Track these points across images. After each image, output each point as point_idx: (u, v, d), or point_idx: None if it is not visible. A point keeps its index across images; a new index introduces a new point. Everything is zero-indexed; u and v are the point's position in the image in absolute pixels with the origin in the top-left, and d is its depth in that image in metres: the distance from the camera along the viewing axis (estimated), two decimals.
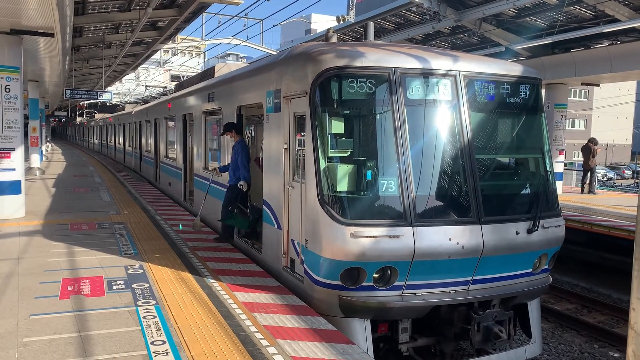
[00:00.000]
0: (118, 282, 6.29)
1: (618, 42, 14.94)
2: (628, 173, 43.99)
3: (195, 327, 4.95)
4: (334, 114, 5.75)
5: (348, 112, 5.82)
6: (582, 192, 18.08)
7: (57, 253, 7.67)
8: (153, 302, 5.62)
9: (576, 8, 13.84)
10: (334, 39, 7.40)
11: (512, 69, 6.48)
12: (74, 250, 7.86)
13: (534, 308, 6.46)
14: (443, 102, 5.88)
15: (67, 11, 9.57)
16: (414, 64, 5.82)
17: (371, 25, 7.55)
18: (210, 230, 9.61)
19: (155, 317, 5.18)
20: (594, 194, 17.68)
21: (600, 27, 13.45)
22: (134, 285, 6.16)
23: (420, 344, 5.90)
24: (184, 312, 5.33)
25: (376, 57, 5.81)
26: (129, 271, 6.77)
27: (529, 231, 5.89)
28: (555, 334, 9.29)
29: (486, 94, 6.09)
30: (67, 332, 4.79)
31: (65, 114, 49.07)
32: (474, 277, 5.76)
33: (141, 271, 6.78)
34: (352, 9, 14.26)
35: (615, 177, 41.51)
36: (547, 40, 14.57)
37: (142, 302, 5.60)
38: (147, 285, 6.20)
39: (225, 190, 8.62)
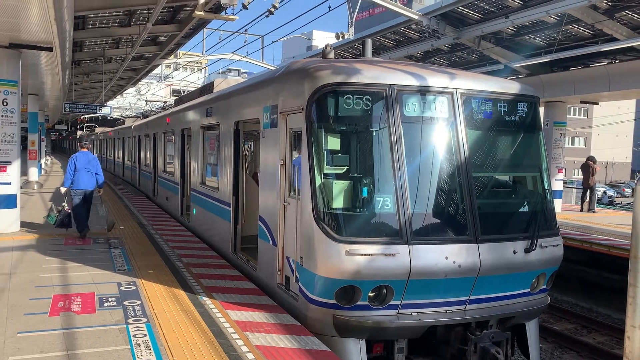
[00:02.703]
0: (110, 299, 6.19)
1: (616, 61, 14.98)
2: (628, 191, 43.91)
3: (186, 346, 4.85)
4: (330, 130, 5.71)
5: (344, 128, 5.78)
6: (581, 210, 18.00)
7: (50, 268, 7.57)
8: (144, 319, 5.52)
9: (574, 27, 13.90)
10: (332, 56, 7.40)
11: (509, 86, 6.45)
12: (67, 265, 7.77)
13: (532, 328, 6.35)
14: (440, 119, 5.84)
15: (66, 26, 9.59)
16: (410, 81, 5.80)
17: (369, 42, 7.55)
18: (206, 246, 9.52)
19: (145, 335, 5.08)
20: (593, 212, 17.60)
21: (598, 46, 13.48)
22: (125, 303, 6.07)
23: None
24: (175, 331, 5.23)
25: (373, 74, 5.79)
26: (121, 288, 6.67)
27: (527, 250, 5.81)
28: (555, 354, 9.15)
29: (483, 112, 6.05)
30: (54, 350, 4.69)
31: (65, 127, 49.18)
32: (471, 297, 5.67)
33: (134, 288, 6.68)
34: (351, 26, 14.33)
35: (615, 195, 41.44)
36: (546, 59, 14.60)
37: (133, 320, 5.50)
38: (139, 302, 6.10)
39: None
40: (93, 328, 5.25)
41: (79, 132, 56.60)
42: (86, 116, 41.02)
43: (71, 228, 10.25)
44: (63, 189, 10.36)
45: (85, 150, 10.35)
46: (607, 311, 11.44)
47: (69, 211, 10.09)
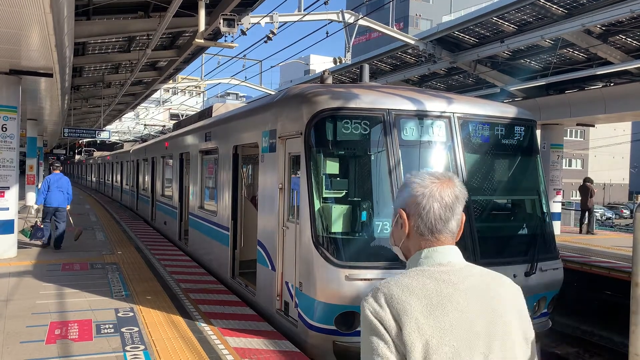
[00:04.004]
0: (107, 326, 6.12)
1: (612, 84, 15.14)
2: (626, 212, 43.93)
3: None
4: (329, 155, 5.74)
5: (343, 152, 5.82)
6: (580, 232, 17.97)
7: (47, 295, 7.51)
8: (142, 347, 5.46)
9: (569, 51, 14.08)
10: (330, 81, 7.47)
11: (506, 110, 6.51)
12: (64, 291, 7.71)
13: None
14: (437, 143, 5.87)
15: (66, 52, 9.69)
16: (408, 106, 5.85)
17: (366, 67, 7.64)
18: (204, 272, 9.46)
19: None
20: (592, 234, 17.57)
21: (593, 70, 13.64)
22: (123, 329, 6.00)
23: None
24: (173, 358, 5.16)
25: (370, 98, 5.84)
26: (119, 314, 6.61)
27: (527, 274, 5.79)
28: None
29: (480, 136, 6.10)
30: None
31: (64, 151, 49.26)
32: None
33: (131, 314, 6.62)
34: (348, 51, 14.49)
35: (613, 216, 41.44)
36: (542, 82, 14.75)
37: (131, 347, 5.43)
38: (136, 329, 6.03)
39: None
40: (90, 356, 5.18)
41: (76, 157, 56.68)
42: (84, 140, 41.12)
43: (44, 240, 11.53)
44: (35, 206, 11.95)
45: (57, 172, 11.76)
46: (608, 334, 11.34)
47: (41, 226, 11.43)
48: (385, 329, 1.49)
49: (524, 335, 1.63)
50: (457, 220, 1.68)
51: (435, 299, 1.53)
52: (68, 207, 11.86)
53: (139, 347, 5.43)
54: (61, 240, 11.50)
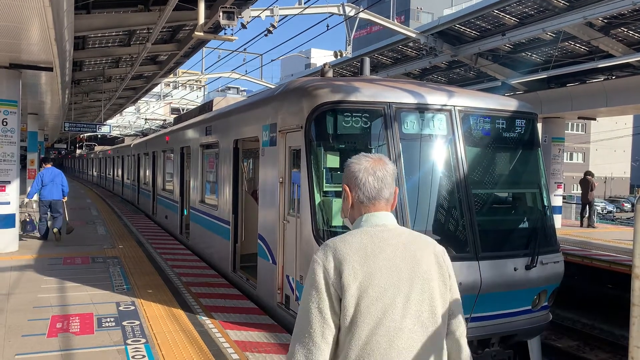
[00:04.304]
0: (108, 319, 6.14)
1: (613, 77, 15.09)
2: (627, 206, 43.91)
3: None
4: (329, 148, 5.73)
5: (343, 146, 5.80)
6: (581, 225, 17.97)
7: (48, 289, 7.53)
8: (143, 340, 5.47)
9: (571, 44, 14.03)
10: (330, 74, 7.44)
11: (507, 103, 6.48)
12: (66, 285, 7.73)
13: (534, 346, 6.29)
14: (438, 136, 5.85)
15: (66, 46, 9.67)
16: (409, 99, 5.82)
17: (367, 60, 7.61)
18: (205, 265, 9.48)
19: (144, 356, 5.03)
20: (593, 227, 17.56)
21: (595, 62, 13.59)
22: (124, 323, 6.02)
23: None
24: (174, 351, 5.18)
25: (371, 92, 5.82)
26: (120, 308, 6.62)
27: (528, 267, 5.78)
28: None
29: (482, 129, 6.07)
30: None
31: (64, 146, 49.27)
32: (472, 315, 5.62)
33: (133, 308, 6.63)
34: (349, 44, 14.44)
35: (614, 210, 41.42)
36: (543, 75, 14.71)
37: (132, 341, 5.45)
38: (137, 322, 6.05)
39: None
40: (91, 349, 5.20)
41: (77, 151, 56.71)
42: (85, 135, 41.13)
43: (41, 232, 11.93)
44: (26, 200, 12.44)
45: (48, 166, 12.03)
46: (609, 327, 11.36)
47: (31, 218, 12.35)
48: (327, 277, 1.86)
49: (443, 282, 1.99)
50: (389, 191, 2.07)
51: (369, 251, 1.91)
52: (65, 199, 12.10)
53: (140, 341, 5.45)
54: (60, 231, 11.78)
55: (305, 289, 1.90)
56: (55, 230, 11.68)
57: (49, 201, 11.69)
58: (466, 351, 2.09)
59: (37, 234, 12.04)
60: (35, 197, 12.42)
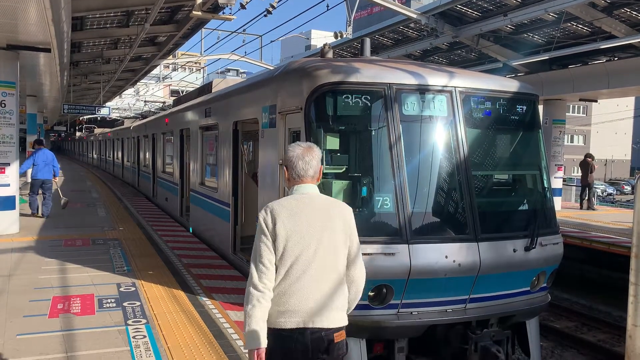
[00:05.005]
0: (109, 300, 6.18)
1: (615, 59, 14.98)
2: (627, 188, 43.94)
3: (186, 347, 4.84)
4: (329, 130, 5.69)
5: (343, 128, 5.76)
6: (581, 208, 18.00)
7: (49, 270, 7.56)
8: (144, 321, 5.51)
9: (573, 24, 13.90)
10: (330, 55, 7.38)
11: (508, 85, 6.43)
12: (66, 267, 7.76)
13: (532, 327, 6.33)
14: (439, 118, 5.81)
15: (63, 27, 9.58)
16: (409, 80, 5.78)
17: (367, 41, 7.53)
18: (206, 247, 9.51)
19: (145, 336, 5.07)
20: (593, 209, 17.59)
21: (597, 44, 13.47)
22: (125, 304, 6.06)
23: None
24: (174, 332, 5.22)
25: (372, 72, 5.77)
26: (121, 289, 6.66)
27: (527, 249, 5.78)
28: (555, 352, 9.15)
29: (482, 110, 6.03)
30: (54, 352, 4.68)
31: (64, 128, 49.13)
32: (471, 296, 5.65)
33: (133, 289, 6.67)
34: (350, 25, 14.30)
35: (614, 192, 41.45)
36: (545, 57, 14.59)
37: (133, 321, 5.49)
38: (138, 303, 6.09)
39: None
40: (92, 330, 5.24)
41: (77, 133, 56.58)
42: (85, 117, 40.99)
43: (33, 210, 12.76)
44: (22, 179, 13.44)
45: (41, 147, 12.97)
46: (607, 309, 11.44)
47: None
48: (267, 226, 2.81)
49: (345, 233, 2.90)
50: (314, 170, 2.95)
51: (294, 209, 2.85)
52: (56, 179, 13.08)
53: (141, 321, 5.49)
54: (48, 210, 12.77)
55: (256, 234, 2.85)
56: (40, 214, 12.67)
57: (41, 180, 12.53)
58: (356, 287, 3.07)
59: (29, 211, 12.76)
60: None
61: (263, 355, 2.71)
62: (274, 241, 2.78)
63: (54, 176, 12.88)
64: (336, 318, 2.89)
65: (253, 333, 2.70)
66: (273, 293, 2.77)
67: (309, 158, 2.93)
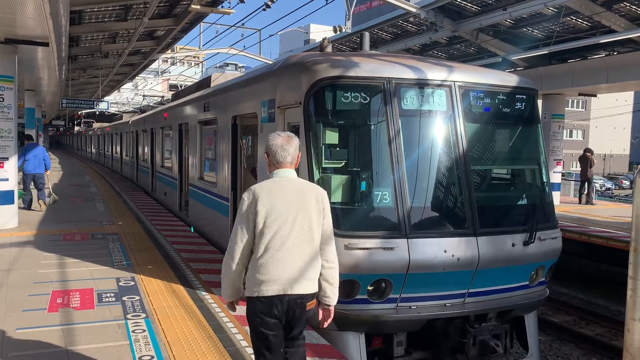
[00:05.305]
0: (108, 295, 6.18)
1: (615, 53, 14.95)
2: (626, 183, 44.00)
3: (185, 342, 4.85)
4: (328, 124, 5.69)
5: (342, 122, 5.76)
6: (579, 202, 18.02)
7: (48, 264, 7.56)
8: (143, 315, 5.52)
9: (572, 19, 13.86)
10: (329, 49, 7.36)
11: (507, 79, 6.43)
12: (66, 261, 7.76)
13: (531, 321, 6.36)
14: (438, 112, 5.81)
15: (62, 21, 9.54)
16: (408, 74, 5.77)
17: (366, 35, 7.51)
18: (205, 242, 9.51)
19: (144, 330, 5.08)
20: (591, 204, 17.61)
21: (596, 38, 13.45)
22: (124, 298, 6.06)
23: (416, 357, 5.79)
24: (174, 326, 5.23)
25: (371, 67, 5.76)
26: (120, 283, 6.67)
27: (525, 243, 5.80)
28: (553, 346, 9.18)
29: (482, 105, 6.03)
30: (53, 346, 4.69)
31: (62, 123, 49.04)
32: (470, 290, 5.67)
33: (132, 283, 6.68)
34: (349, 20, 14.25)
35: (613, 187, 41.51)
36: (544, 51, 14.56)
37: (132, 316, 5.50)
38: (137, 297, 6.09)
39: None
40: (92, 324, 5.25)
41: (76, 128, 56.49)
42: (83, 111, 40.91)
43: (25, 205, 12.80)
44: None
45: (32, 142, 13.48)
46: (605, 303, 11.48)
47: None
48: (249, 205, 3.26)
49: (319, 211, 3.33)
50: (292, 157, 3.38)
51: (273, 190, 3.29)
52: (47, 172, 13.26)
53: (140, 315, 5.50)
54: (45, 199, 13.09)
55: (238, 212, 3.32)
56: (40, 201, 12.91)
57: (32, 174, 12.74)
58: (334, 271, 3.43)
59: (22, 205, 12.62)
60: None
61: (236, 301, 3.46)
62: (255, 218, 3.21)
63: (46, 170, 13.10)
64: (310, 287, 3.30)
65: (232, 289, 3.35)
66: (255, 264, 3.25)
67: (288, 146, 3.35)
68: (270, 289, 3.19)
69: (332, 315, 3.51)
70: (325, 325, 3.57)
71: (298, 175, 5.96)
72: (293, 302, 3.23)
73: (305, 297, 3.27)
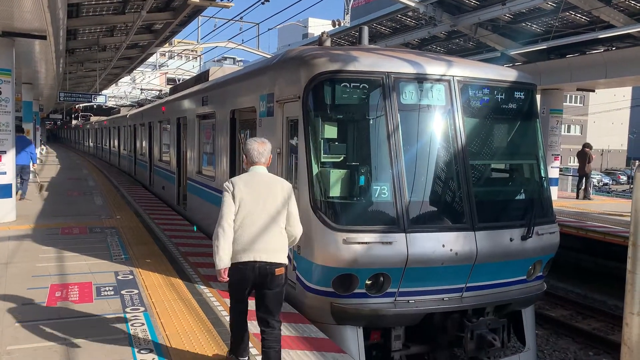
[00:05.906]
0: (107, 288, 6.19)
1: (613, 48, 14.95)
2: (623, 178, 44.10)
3: (184, 335, 4.86)
4: (327, 119, 5.69)
5: (341, 116, 5.76)
6: (577, 197, 18.05)
7: (47, 258, 7.57)
8: (142, 308, 5.53)
9: (571, 14, 13.85)
10: (328, 43, 7.34)
11: (506, 74, 6.43)
12: (64, 255, 7.76)
13: (528, 315, 6.39)
14: (437, 107, 5.82)
15: (59, 14, 9.51)
16: (407, 69, 5.77)
17: (365, 29, 7.51)
18: (203, 235, 9.52)
19: (143, 324, 5.09)
20: (589, 199, 17.65)
21: (595, 33, 13.44)
22: (123, 292, 6.07)
23: (414, 351, 5.82)
24: (172, 319, 5.24)
25: (370, 61, 5.76)
26: (118, 277, 6.68)
27: (523, 238, 5.82)
28: (550, 341, 9.23)
29: (480, 100, 6.04)
30: (52, 340, 4.70)
31: (60, 116, 48.85)
32: (468, 284, 5.69)
33: (131, 277, 6.69)
34: (347, 14, 14.21)
35: (610, 182, 41.60)
36: (543, 46, 14.56)
37: (131, 309, 5.51)
38: (136, 291, 6.10)
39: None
40: (91, 317, 5.26)
41: (73, 121, 56.30)
42: (81, 105, 40.75)
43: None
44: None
45: (21, 135, 13.41)
46: (602, 297, 11.53)
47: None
48: (230, 191, 4.05)
49: (284, 199, 4.12)
50: (265, 157, 4.20)
51: (248, 182, 4.12)
52: (34, 165, 14.08)
53: (139, 309, 5.51)
54: (25, 192, 13.57)
55: (222, 196, 4.07)
56: (19, 192, 13.07)
57: (19, 166, 12.86)
58: (294, 239, 4.27)
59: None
60: None
61: (227, 271, 4.04)
62: (233, 201, 4.03)
63: (32, 163, 13.64)
64: (276, 256, 4.05)
65: (221, 257, 3.98)
66: (234, 237, 4.00)
67: (262, 149, 4.17)
68: (245, 256, 3.99)
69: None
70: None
71: (297, 168, 6.09)
72: (263, 268, 4.00)
73: (272, 264, 4.02)
